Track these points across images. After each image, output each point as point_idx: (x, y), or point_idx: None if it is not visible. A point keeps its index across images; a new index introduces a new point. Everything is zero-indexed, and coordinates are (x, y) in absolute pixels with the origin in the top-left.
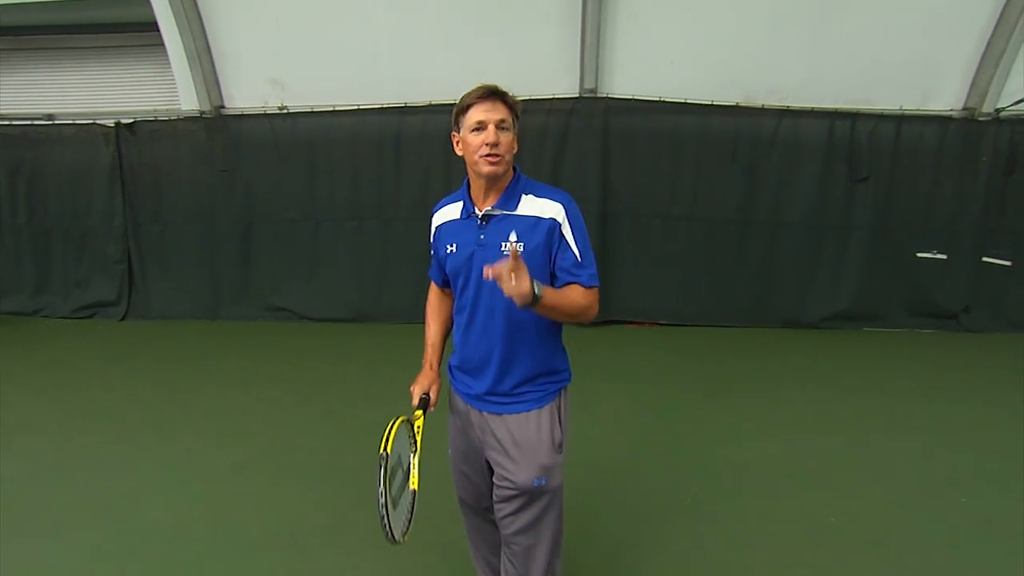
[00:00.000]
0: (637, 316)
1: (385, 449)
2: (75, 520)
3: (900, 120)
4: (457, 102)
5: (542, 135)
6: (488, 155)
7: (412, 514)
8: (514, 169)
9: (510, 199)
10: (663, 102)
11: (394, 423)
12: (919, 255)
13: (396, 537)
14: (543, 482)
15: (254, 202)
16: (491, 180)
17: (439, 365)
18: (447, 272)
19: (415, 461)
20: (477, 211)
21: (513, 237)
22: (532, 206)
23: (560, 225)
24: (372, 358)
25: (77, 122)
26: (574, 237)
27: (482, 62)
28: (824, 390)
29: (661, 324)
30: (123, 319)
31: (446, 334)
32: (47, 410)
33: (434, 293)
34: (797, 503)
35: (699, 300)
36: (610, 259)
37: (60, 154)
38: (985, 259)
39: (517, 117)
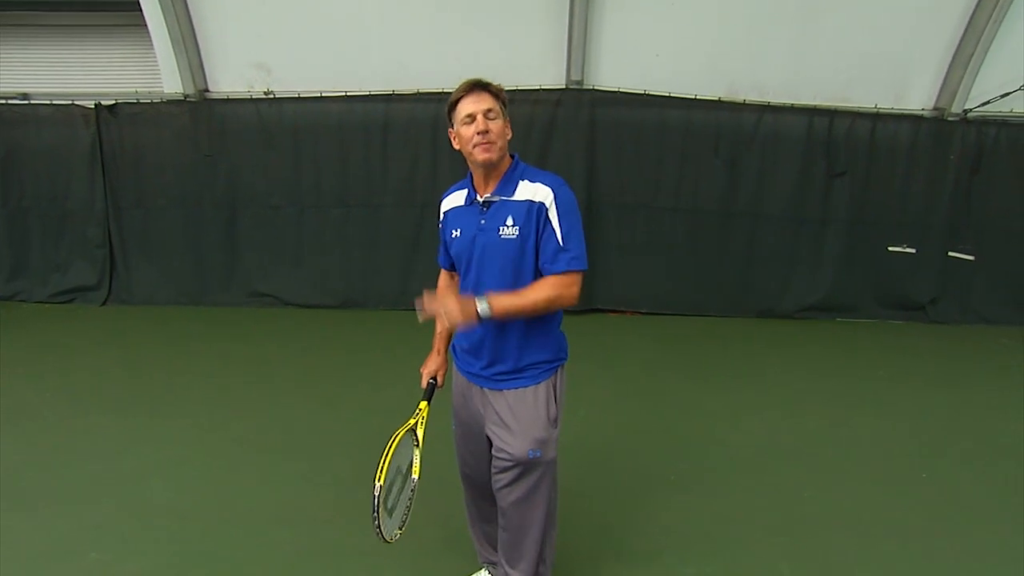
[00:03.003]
0: (620, 304)
1: (379, 480)
2: (80, 499)
3: (875, 118)
4: (450, 95)
5: (529, 126)
6: (481, 143)
7: (411, 505)
8: (512, 156)
9: (508, 185)
10: (648, 95)
11: (394, 441)
12: (890, 249)
13: (387, 538)
14: (538, 454)
15: (239, 187)
16: (487, 167)
17: (447, 350)
18: (452, 255)
19: (418, 453)
20: (479, 198)
21: (510, 221)
22: (526, 190)
23: (547, 209)
24: (359, 343)
25: (54, 102)
26: (559, 221)
27: (469, 52)
28: (801, 375)
29: (643, 313)
30: (104, 304)
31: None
32: (38, 394)
33: (443, 279)
34: (775, 479)
35: (681, 289)
36: (594, 248)
37: (36, 135)
38: (951, 254)
39: (505, 104)
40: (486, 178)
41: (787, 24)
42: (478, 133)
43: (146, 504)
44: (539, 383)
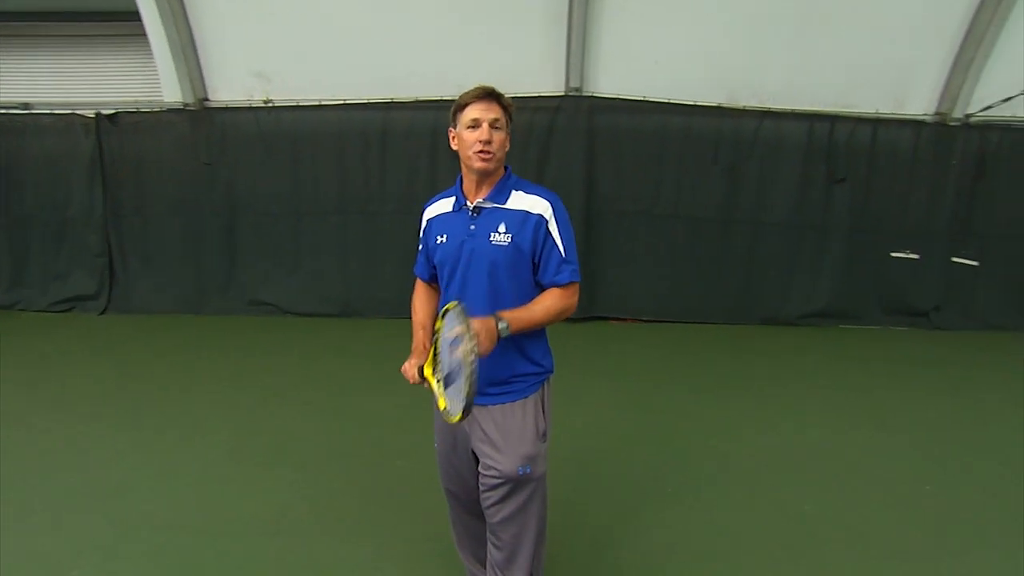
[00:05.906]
0: (621, 312)
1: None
2: (65, 510)
3: (876, 124)
4: (456, 99)
5: (527, 133)
6: (481, 151)
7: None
8: (505, 168)
9: (501, 193)
10: (647, 102)
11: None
12: (893, 255)
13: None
14: (527, 470)
15: (238, 195)
16: (483, 175)
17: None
18: (435, 262)
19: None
20: (469, 203)
21: (502, 228)
22: (522, 201)
23: (547, 222)
24: (357, 352)
25: (55, 112)
26: (560, 234)
27: (468, 60)
28: (803, 385)
29: (644, 320)
30: (103, 313)
31: (436, 320)
32: (32, 404)
33: (421, 288)
34: (775, 492)
35: (682, 297)
36: (594, 256)
37: (37, 144)
38: (954, 259)
39: (510, 118)
40: (479, 185)
41: (788, 30)
42: (480, 141)
43: (131, 516)
44: (527, 397)
